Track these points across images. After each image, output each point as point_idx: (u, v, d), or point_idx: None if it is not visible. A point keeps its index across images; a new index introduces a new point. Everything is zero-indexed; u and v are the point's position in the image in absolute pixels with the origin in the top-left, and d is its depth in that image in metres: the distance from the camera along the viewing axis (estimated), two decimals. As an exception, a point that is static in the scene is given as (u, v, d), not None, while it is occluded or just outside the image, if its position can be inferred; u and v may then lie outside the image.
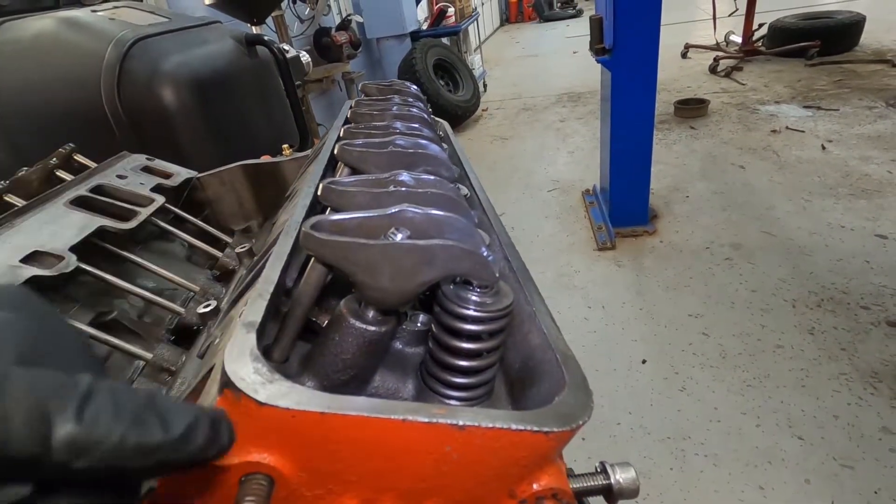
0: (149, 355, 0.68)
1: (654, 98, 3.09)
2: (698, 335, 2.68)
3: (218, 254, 0.95)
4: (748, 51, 6.52)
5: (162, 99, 2.02)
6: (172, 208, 0.96)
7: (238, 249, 0.87)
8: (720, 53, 6.63)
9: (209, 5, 3.40)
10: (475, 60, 7.28)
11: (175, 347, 0.69)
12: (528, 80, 8.03)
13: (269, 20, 3.97)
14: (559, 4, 14.24)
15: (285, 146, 1.09)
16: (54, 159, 0.89)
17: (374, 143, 0.59)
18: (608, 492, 0.33)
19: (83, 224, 0.76)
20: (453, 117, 5.92)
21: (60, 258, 0.68)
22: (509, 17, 14.85)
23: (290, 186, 1.01)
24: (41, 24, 2.01)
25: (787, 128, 4.71)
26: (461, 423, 0.27)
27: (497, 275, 0.39)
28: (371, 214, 0.40)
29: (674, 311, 2.85)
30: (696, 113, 5.26)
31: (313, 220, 0.39)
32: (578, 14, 13.44)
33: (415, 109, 0.71)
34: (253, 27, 3.60)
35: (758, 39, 6.62)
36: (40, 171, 0.86)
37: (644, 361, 2.59)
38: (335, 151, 0.61)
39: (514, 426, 0.27)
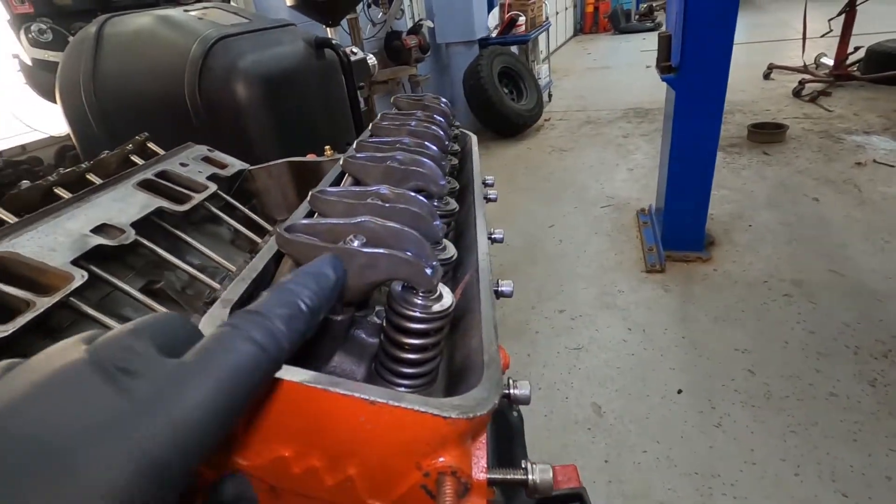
0: (183, 323, 0.78)
1: (720, 121, 2.97)
2: (743, 371, 2.56)
3: (258, 240, 1.05)
4: (839, 75, 6.06)
5: (235, 93, 2.20)
6: (224, 195, 1.07)
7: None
8: (807, 76, 6.22)
9: (290, 6, 3.64)
10: (542, 70, 7.25)
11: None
12: (595, 93, 7.90)
13: (344, 22, 4.18)
14: (637, 17, 13.84)
15: (327, 147, 1.18)
16: (130, 146, 1.03)
17: (376, 156, 0.66)
18: (524, 485, 0.37)
19: (145, 203, 0.87)
20: (513, 126, 5.94)
21: (122, 231, 0.79)
22: (584, 27, 14.62)
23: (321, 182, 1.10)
24: (141, 20, 2.24)
25: (874, 161, 4.35)
26: (372, 398, 0.32)
27: (435, 283, 0.45)
28: (338, 222, 0.47)
29: (719, 343, 2.73)
30: (772, 138, 4.97)
31: (289, 222, 0.47)
32: (656, 28, 13.01)
33: (434, 126, 0.77)
34: (328, 29, 3.81)
35: (852, 63, 6.14)
36: (118, 155, 0.99)
37: (680, 391, 2.51)
38: (341, 162, 0.69)
39: (417, 408, 0.32)
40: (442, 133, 0.75)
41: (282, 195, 1.21)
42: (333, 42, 2.49)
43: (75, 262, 0.71)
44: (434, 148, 0.69)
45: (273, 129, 2.32)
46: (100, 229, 0.77)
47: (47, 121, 3.51)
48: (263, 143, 2.29)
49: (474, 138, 1.04)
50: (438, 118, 0.84)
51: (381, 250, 0.43)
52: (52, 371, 0.25)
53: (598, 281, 3.37)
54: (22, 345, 0.69)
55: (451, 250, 0.60)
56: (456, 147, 0.92)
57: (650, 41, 11.42)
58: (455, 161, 0.86)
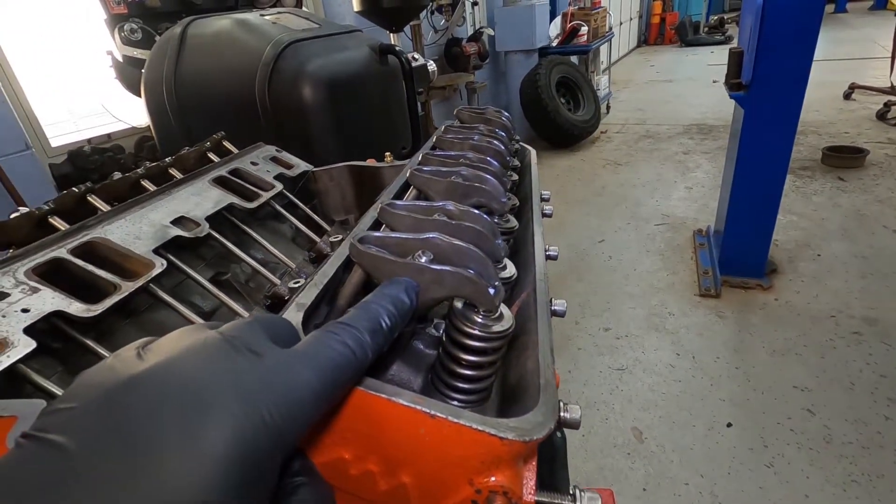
0: (246, 314, 0.82)
1: (792, 143, 2.82)
2: (801, 411, 2.40)
3: (317, 239, 1.09)
4: (931, 99, 5.61)
5: (301, 96, 2.29)
6: (288, 194, 1.13)
7: (332, 238, 1.00)
8: (894, 98, 5.78)
9: (357, 13, 3.75)
10: (602, 81, 7.11)
11: (266, 312, 0.83)
12: (656, 106, 7.66)
13: (407, 28, 4.27)
14: (706, 29, 13.32)
15: (387, 154, 1.22)
16: (208, 143, 1.10)
17: (441, 171, 0.68)
18: (572, 512, 0.38)
19: (219, 199, 0.93)
20: (569, 137, 5.85)
21: (198, 224, 0.85)
22: (648, 38, 14.22)
23: (385, 190, 1.13)
24: (221, 23, 2.38)
25: (966, 194, 3.99)
26: (433, 412, 0.33)
27: (497, 303, 0.46)
28: (408, 237, 0.49)
29: (776, 378, 2.58)
30: (850, 163, 4.66)
31: (362, 233, 0.50)
32: (727, 41, 12.46)
33: (495, 141, 0.78)
34: (391, 34, 3.91)
35: (947, 87, 5.66)
36: (196, 152, 1.07)
37: (729, 425, 2.39)
38: (407, 175, 0.72)
39: (475, 426, 0.33)
40: (503, 148, 0.76)
41: (341, 197, 1.25)
42: (396, 48, 2.56)
43: (156, 251, 0.77)
44: (496, 163, 0.70)
45: (334, 131, 2.40)
46: (178, 221, 0.83)
47: (131, 113, 3.80)
48: (324, 145, 2.37)
49: (533, 153, 1.05)
50: (500, 133, 0.85)
51: (448, 268, 0.45)
52: (193, 341, 0.31)
53: (648, 301, 3.27)
54: (106, 323, 0.75)
55: (511, 269, 0.62)
56: (516, 162, 0.92)
57: (719, 55, 10.96)
58: (515, 177, 0.86)
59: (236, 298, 0.91)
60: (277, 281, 0.93)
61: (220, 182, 0.98)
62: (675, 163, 5.40)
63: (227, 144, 1.14)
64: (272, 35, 2.34)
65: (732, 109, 3.21)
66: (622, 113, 7.51)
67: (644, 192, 4.79)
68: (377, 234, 0.50)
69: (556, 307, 0.65)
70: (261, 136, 2.37)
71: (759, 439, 2.29)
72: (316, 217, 1.15)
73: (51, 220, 0.77)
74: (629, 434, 2.44)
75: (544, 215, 0.88)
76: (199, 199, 0.90)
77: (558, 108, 5.60)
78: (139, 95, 2.55)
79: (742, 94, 2.79)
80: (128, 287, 0.66)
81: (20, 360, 0.55)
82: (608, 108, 7.46)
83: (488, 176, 0.67)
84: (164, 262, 0.73)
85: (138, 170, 0.92)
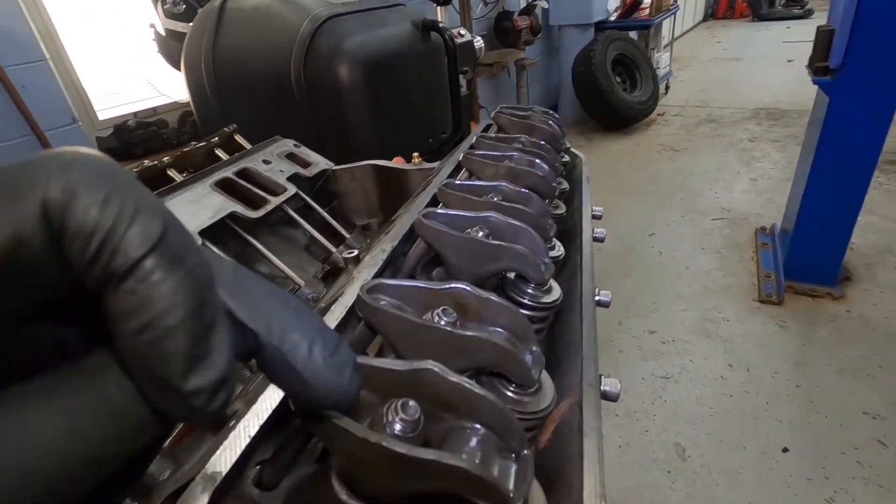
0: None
1: (884, 137, 2.47)
2: (871, 441, 2.15)
3: (332, 249, 0.98)
4: None
5: (337, 75, 2.18)
6: (304, 196, 1.02)
7: (345, 255, 0.88)
8: None
9: (402, -15, 3.57)
10: (662, 59, 6.62)
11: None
12: (721, 88, 7.09)
13: (455, 1, 4.04)
14: (782, 2, 12.17)
15: (416, 154, 1.08)
16: (216, 138, 1.00)
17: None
18: None
19: (219, 207, 0.83)
20: (622, 118, 5.51)
21: (190, 240, 0.75)
22: (716, 12, 13.17)
23: (412, 194, 1.01)
24: (261, -4, 2.27)
25: None
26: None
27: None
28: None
29: (843, 401, 2.33)
30: (945, 157, 4.13)
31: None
32: (806, 15, 11.35)
33: (538, 161, 0.65)
34: (438, 8, 3.70)
35: None
36: (204, 148, 0.97)
37: (786, 450, 2.18)
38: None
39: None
40: (547, 170, 0.63)
41: (364, 199, 1.13)
42: (440, 25, 2.38)
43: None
44: (535, 199, 0.59)
45: (371, 113, 2.27)
46: (168, 236, 0.73)
47: (174, 87, 3.81)
48: (360, 127, 2.25)
49: (584, 160, 0.88)
50: (545, 148, 0.71)
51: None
52: None
53: (700, 304, 3.03)
54: None
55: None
56: (564, 185, 0.77)
57: (796, 30, 10.01)
58: (561, 210, 0.72)
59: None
60: (282, 301, 0.83)
61: (224, 186, 0.88)
62: (739, 151, 4.98)
63: (238, 139, 1.03)
64: (311, 9, 2.21)
65: (811, 94, 2.85)
66: (682, 94, 7.00)
67: (702, 183, 4.44)
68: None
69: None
70: (296, 117, 2.28)
71: (820, 469, 2.07)
72: (333, 222, 1.03)
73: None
74: (671, 450, 2.27)
75: (595, 239, 0.74)
76: (197, 208, 0.80)
77: (613, 87, 5.25)
78: (181, 70, 2.52)
79: (829, 80, 2.45)
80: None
81: None
82: (667, 88, 6.97)
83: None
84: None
85: (132, 170, 0.83)
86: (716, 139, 5.33)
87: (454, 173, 0.71)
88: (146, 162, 0.88)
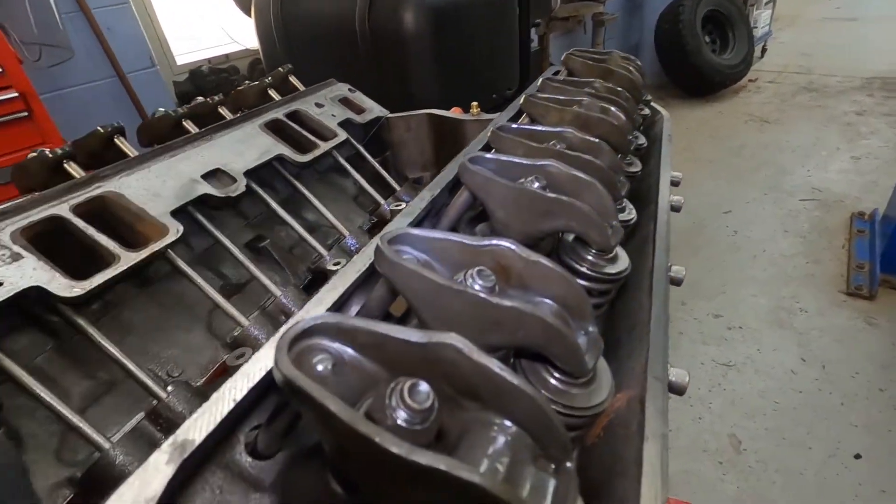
0: (279, 293, 0.70)
1: None
2: (963, 459, 1.92)
3: (381, 201, 0.94)
4: None
5: (402, 23, 2.10)
6: (355, 144, 0.97)
7: (394, 207, 0.83)
8: None
9: (477, -73, 3.35)
10: (762, 17, 5.93)
11: (300, 293, 0.70)
12: (828, 52, 6.29)
13: (532, -53, 3.76)
14: (919, -49, 10.46)
15: (474, 104, 1.00)
16: (269, 79, 0.96)
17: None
18: None
19: (266, 149, 0.80)
20: (707, 83, 5.03)
21: (234, 180, 0.73)
22: (833, -37, 11.55)
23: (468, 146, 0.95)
24: (334, -57, 2.21)
25: None
26: None
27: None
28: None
29: (935, 412, 2.08)
30: None
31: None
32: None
33: (613, 108, 0.55)
34: (513, -46, 3.46)
35: None
36: (256, 88, 0.94)
37: (858, 457, 1.99)
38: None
39: None
40: (623, 119, 0.54)
41: (418, 150, 1.07)
42: (513, -29, 2.21)
43: (179, 210, 0.66)
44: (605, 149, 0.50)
45: (434, 64, 2.18)
46: (212, 175, 0.71)
47: (247, 34, 3.85)
48: (422, 79, 2.18)
49: (667, 118, 0.77)
50: (622, 95, 0.61)
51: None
52: None
53: (775, 291, 2.77)
54: (118, 293, 0.67)
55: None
56: (641, 141, 0.67)
57: (930, -14, 8.62)
58: (636, 168, 0.62)
59: (274, 270, 0.79)
60: (325, 252, 0.80)
61: (274, 127, 0.84)
62: (843, 125, 4.43)
63: (293, 80, 0.99)
64: (377, -45, 2.12)
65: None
66: (781, 58, 6.28)
67: (793, 159, 4.01)
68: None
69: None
70: (358, 66, 2.24)
71: (896, 482, 1.88)
72: (384, 174, 0.99)
73: (66, 165, 0.68)
74: (725, 441, 2.14)
75: (672, 207, 0.65)
76: (244, 148, 0.77)
77: (700, 48, 4.78)
78: (251, 17, 2.54)
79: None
80: (128, 259, 0.56)
81: (-9, 341, 0.46)
82: (763, 50, 6.27)
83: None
84: (181, 229, 0.62)
85: (180, 108, 0.81)
86: (815, 111, 4.76)
87: (513, 120, 0.63)
88: (199, 98, 0.86)
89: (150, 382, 0.55)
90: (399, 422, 0.21)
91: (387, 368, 0.25)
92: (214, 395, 0.25)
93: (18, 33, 2.49)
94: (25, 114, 2.09)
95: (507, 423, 0.24)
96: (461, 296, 0.30)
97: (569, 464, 0.24)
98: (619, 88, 0.60)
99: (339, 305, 0.39)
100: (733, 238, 3.24)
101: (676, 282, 0.55)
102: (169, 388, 0.56)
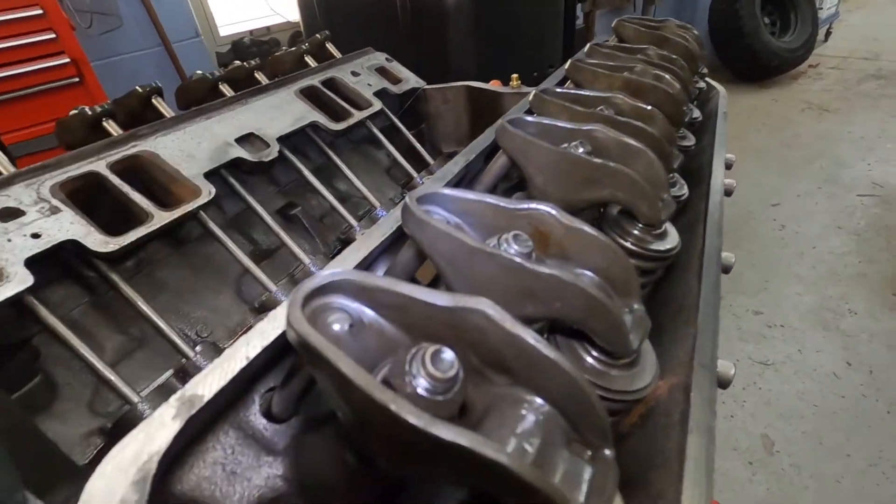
0: (307, 261, 0.70)
1: None
2: None
3: (414, 174, 0.92)
4: None
5: (443, -3, 2.06)
6: (390, 115, 0.95)
7: (426, 180, 0.81)
8: None
9: None
10: (829, -3, 5.53)
11: (328, 262, 0.69)
12: (902, 36, 5.82)
13: (584, -82, 3.58)
14: None
15: (514, 76, 0.96)
16: (307, 45, 0.95)
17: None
18: None
19: (300, 115, 0.79)
20: (763, 68, 4.75)
21: (267, 146, 0.72)
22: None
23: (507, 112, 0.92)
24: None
25: None
26: None
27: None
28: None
29: None
30: None
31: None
32: None
33: (668, 76, 0.50)
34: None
35: None
36: (293, 54, 0.92)
37: (901, 468, 1.89)
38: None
39: None
40: (678, 87, 0.49)
41: (454, 123, 1.04)
42: (562, -59, 2.12)
43: (213, 172, 0.66)
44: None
45: (474, 39, 2.13)
46: (245, 139, 0.71)
47: (288, 7, 3.85)
48: (462, 53, 2.13)
49: (723, 93, 0.72)
50: (677, 63, 0.56)
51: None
52: None
53: (822, 290, 2.63)
54: (151, 251, 0.68)
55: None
56: (696, 114, 0.62)
57: None
58: (689, 141, 0.58)
59: (304, 238, 0.78)
60: (355, 223, 0.79)
61: (309, 94, 0.83)
62: (911, 116, 4.12)
63: (329, 47, 0.98)
64: (420, -76, 2.07)
65: None
66: (846, 42, 5.85)
67: (852, 151, 3.76)
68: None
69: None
70: (397, 38, 2.20)
71: (942, 499, 1.78)
72: (419, 147, 0.96)
73: (105, 123, 0.69)
74: (757, 441, 2.06)
75: (725, 191, 0.60)
76: (278, 114, 0.76)
77: (758, 29, 4.50)
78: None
79: None
80: (161, 218, 0.56)
81: (28, 291, 0.47)
82: (828, 34, 5.85)
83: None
84: (213, 191, 0.62)
85: (217, 71, 0.80)
86: (881, 100, 4.43)
87: (557, 86, 0.59)
88: (236, 62, 0.86)
89: (179, 341, 0.56)
90: (419, 390, 0.20)
91: (409, 333, 0.23)
92: (227, 352, 0.24)
93: (72, 0, 2.56)
94: (77, 80, 2.16)
95: (539, 401, 0.22)
96: (493, 259, 0.27)
97: (608, 451, 0.21)
98: (675, 56, 0.55)
99: (362, 268, 0.38)
100: (780, 232, 3.09)
101: (725, 269, 0.51)
102: (197, 347, 0.57)
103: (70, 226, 0.51)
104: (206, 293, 0.70)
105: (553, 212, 0.30)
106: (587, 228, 0.30)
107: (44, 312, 0.49)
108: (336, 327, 0.24)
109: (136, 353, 0.62)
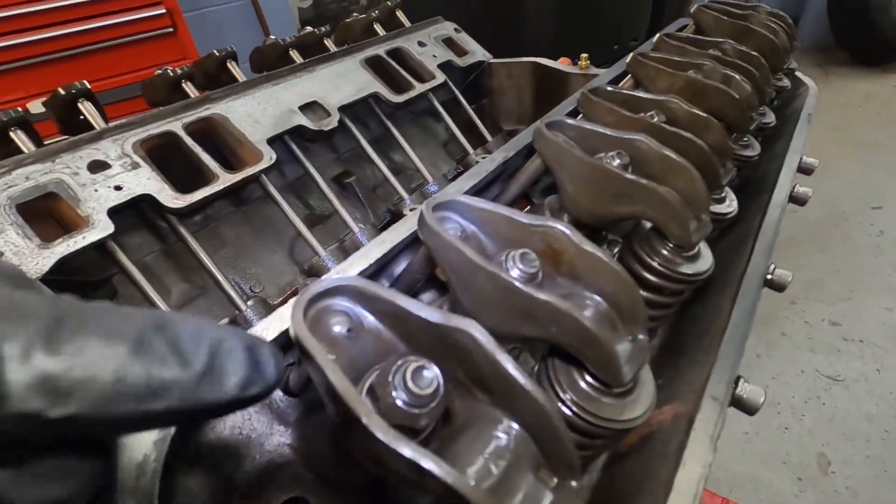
0: (356, 230, 0.73)
1: None
2: None
3: (470, 150, 0.92)
4: None
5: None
6: (453, 88, 0.94)
7: (481, 158, 0.81)
8: None
9: None
10: None
11: (375, 233, 0.72)
12: None
13: None
14: None
15: (584, 56, 0.91)
16: (376, 12, 0.95)
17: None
18: None
19: (362, 86, 0.80)
20: (885, 48, 4.17)
21: (328, 115, 0.74)
22: None
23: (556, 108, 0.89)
24: None
25: None
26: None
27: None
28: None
29: None
30: None
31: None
32: None
33: (738, 76, 0.46)
34: None
35: None
36: (363, 21, 0.93)
37: (976, 511, 1.73)
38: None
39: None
40: (747, 91, 0.45)
41: (517, 101, 1.02)
42: None
43: (277, 137, 0.69)
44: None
45: (554, 5, 2.02)
46: (308, 107, 0.74)
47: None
48: (538, 21, 2.03)
49: (812, 87, 0.65)
50: (755, 62, 0.50)
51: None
52: None
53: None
54: (217, 208, 0.73)
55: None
56: (768, 119, 0.56)
57: None
58: (752, 151, 0.53)
59: (356, 206, 0.81)
60: (406, 196, 0.81)
61: (373, 63, 0.84)
62: None
63: (399, 15, 0.97)
64: None
65: None
66: None
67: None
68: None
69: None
70: (472, 6, 2.14)
71: None
72: (478, 122, 0.95)
73: (184, 84, 0.73)
74: (811, 458, 1.95)
75: (793, 199, 0.56)
76: (342, 83, 0.78)
77: (889, 3, 3.93)
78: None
79: None
80: (226, 180, 0.60)
81: (109, 237, 0.54)
82: (979, 11, 5.02)
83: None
84: (273, 157, 0.65)
85: (289, 37, 0.83)
86: None
87: (617, 80, 0.56)
88: (308, 28, 0.88)
89: (233, 294, 0.61)
90: (398, 402, 0.21)
91: (404, 341, 0.25)
92: (251, 331, 0.26)
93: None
94: (171, 30, 2.28)
95: (514, 425, 0.23)
96: (494, 279, 0.28)
97: (574, 483, 0.22)
98: (754, 53, 0.50)
99: (384, 262, 0.39)
100: (877, 239, 2.79)
101: (778, 286, 0.47)
102: (249, 302, 0.62)
103: (147, 181, 0.57)
104: (262, 252, 0.75)
105: (567, 231, 0.30)
106: (598, 253, 0.29)
107: (121, 257, 0.55)
108: (336, 329, 0.26)
109: (197, 300, 0.69)
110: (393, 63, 0.86)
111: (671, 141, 0.39)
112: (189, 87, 0.74)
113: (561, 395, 0.30)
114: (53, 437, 0.19)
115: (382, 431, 0.17)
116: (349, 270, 0.36)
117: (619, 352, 0.26)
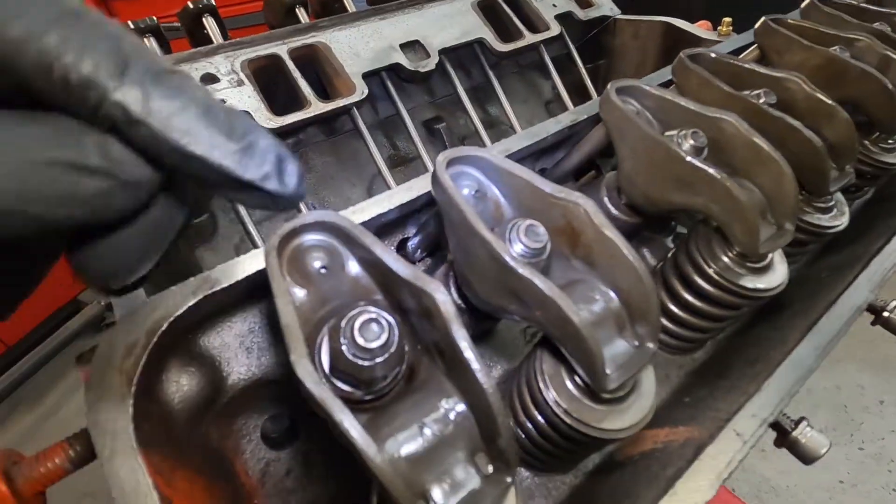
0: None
1: None
2: None
3: (570, 108, 0.85)
4: None
5: None
6: (568, 43, 0.87)
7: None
8: None
9: None
10: None
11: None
12: None
13: None
14: None
15: (726, 20, 0.78)
16: (503, -50, 0.89)
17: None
18: None
19: (468, 30, 0.77)
20: None
21: (428, 56, 0.73)
22: None
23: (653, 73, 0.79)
24: None
25: None
26: None
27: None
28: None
29: None
30: None
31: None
32: None
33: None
34: None
35: None
36: (486, -42, 0.88)
37: None
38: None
39: None
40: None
41: (638, 64, 0.92)
42: None
43: (374, 72, 0.70)
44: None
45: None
46: (409, 46, 0.72)
47: None
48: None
49: None
50: None
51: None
52: None
53: None
54: (309, 134, 0.76)
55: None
56: None
57: None
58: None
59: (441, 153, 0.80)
60: (492, 149, 0.78)
61: (485, 7, 0.80)
62: None
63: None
64: None
65: None
66: None
67: None
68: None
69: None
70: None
71: None
72: (589, 83, 0.88)
73: (297, 10, 0.75)
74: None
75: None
76: (448, 24, 0.76)
77: None
78: None
79: None
80: (318, 108, 0.62)
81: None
82: None
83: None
84: (365, 91, 0.66)
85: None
86: None
87: (741, 50, 0.47)
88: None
89: (310, 219, 0.65)
90: (344, 350, 0.21)
91: (382, 291, 0.24)
92: (250, 253, 0.28)
93: None
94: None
95: (461, 402, 0.21)
96: (486, 247, 0.25)
97: (508, 478, 0.21)
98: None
99: (399, 212, 0.39)
100: None
101: (892, 326, 0.39)
102: (322, 230, 0.65)
103: (248, 99, 0.61)
104: (343, 184, 0.78)
105: (588, 209, 0.26)
106: (618, 241, 0.25)
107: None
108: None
109: (277, 217, 0.74)
110: (507, 8, 0.81)
111: (771, 127, 0.31)
112: (301, 13, 0.76)
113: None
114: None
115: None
116: (366, 211, 0.36)
117: (607, 354, 0.23)
